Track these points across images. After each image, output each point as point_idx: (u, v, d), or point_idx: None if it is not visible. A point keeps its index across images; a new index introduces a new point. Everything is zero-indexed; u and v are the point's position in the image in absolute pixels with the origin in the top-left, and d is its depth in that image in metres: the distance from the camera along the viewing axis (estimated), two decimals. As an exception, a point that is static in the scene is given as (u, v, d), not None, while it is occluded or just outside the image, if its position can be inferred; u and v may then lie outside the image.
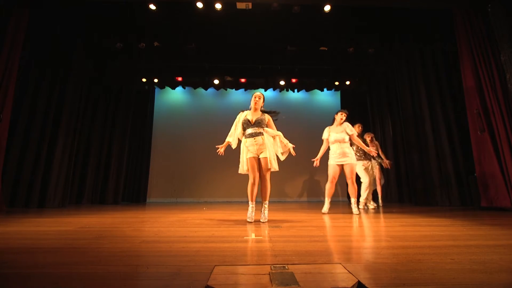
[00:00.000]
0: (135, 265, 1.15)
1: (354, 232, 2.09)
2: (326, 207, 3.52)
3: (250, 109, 2.95)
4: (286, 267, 1.07)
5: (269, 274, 0.98)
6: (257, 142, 2.74)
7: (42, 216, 3.14)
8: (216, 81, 6.89)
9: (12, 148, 4.26)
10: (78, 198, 5.57)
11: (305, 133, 7.40)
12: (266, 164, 2.66)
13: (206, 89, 7.32)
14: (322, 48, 5.82)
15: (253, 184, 2.73)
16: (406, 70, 5.48)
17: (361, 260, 1.20)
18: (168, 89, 7.55)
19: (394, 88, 6.04)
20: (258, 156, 2.74)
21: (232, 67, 6.64)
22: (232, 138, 2.91)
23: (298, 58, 6.10)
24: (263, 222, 2.57)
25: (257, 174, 2.74)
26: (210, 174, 7.22)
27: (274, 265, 1.09)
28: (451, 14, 4.44)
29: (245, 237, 1.79)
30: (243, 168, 2.79)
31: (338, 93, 7.99)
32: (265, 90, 7.49)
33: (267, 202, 2.77)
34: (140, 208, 4.57)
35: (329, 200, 3.59)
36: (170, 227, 2.28)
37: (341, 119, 3.66)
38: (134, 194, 6.72)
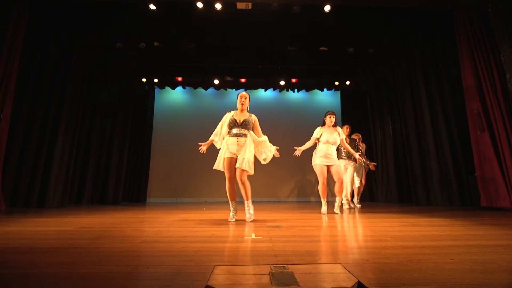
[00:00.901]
0: (135, 265, 1.15)
1: (354, 232, 2.09)
2: (324, 208, 3.54)
3: (236, 109, 2.95)
4: (286, 267, 1.07)
5: (269, 274, 0.98)
6: (239, 142, 2.76)
7: (42, 216, 3.14)
8: (216, 81, 6.88)
9: (12, 148, 4.26)
10: (78, 198, 5.57)
11: (305, 133, 7.36)
12: (241, 164, 2.65)
13: (206, 89, 7.31)
14: (322, 48, 5.81)
15: (229, 183, 2.77)
16: (406, 70, 5.47)
17: (361, 260, 1.20)
18: (168, 89, 7.54)
19: (394, 88, 6.04)
20: (237, 156, 2.74)
21: (232, 67, 6.64)
22: (217, 138, 2.93)
23: (298, 58, 6.09)
24: (251, 221, 2.59)
25: (233, 174, 2.76)
26: (210, 174, 7.19)
27: (274, 265, 1.09)
28: (451, 14, 4.44)
29: (245, 237, 1.78)
30: (218, 165, 2.82)
31: (338, 93, 7.99)
32: (265, 90, 7.49)
33: (249, 201, 2.75)
34: (140, 208, 4.57)
35: (325, 200, 3.63)
36: (170, 227, 2.28)
37: (331, 121, 3.72)
38: (134, 194, 6.72)
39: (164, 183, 7.20)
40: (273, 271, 1.01)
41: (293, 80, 7.07)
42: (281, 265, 1.09)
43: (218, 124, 2.97)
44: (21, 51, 4.08)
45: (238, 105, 2.91)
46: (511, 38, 3.63)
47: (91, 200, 5.74)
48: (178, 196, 7.12)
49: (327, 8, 4.53)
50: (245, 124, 2.81)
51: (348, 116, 7.71)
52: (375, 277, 0.96)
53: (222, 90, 7.49)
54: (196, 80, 7.02)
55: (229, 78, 6.93)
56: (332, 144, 3.64)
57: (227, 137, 2.85)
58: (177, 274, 1.01)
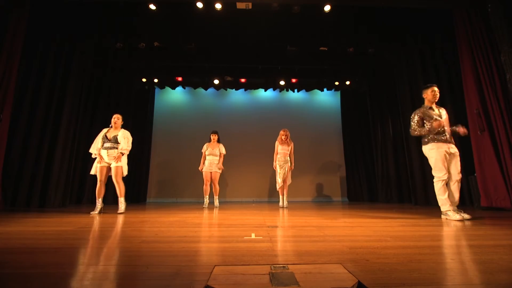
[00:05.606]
0: (135, 265, 1.15)
1: (354, 232, 2.09)
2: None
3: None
4: (286, 267, 1.07)
5: (269, 274, 0.98)
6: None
7: (42, 216, 3.14)
8: (216, 81, 6.88)
9: (12, 148, 4.26)
10: (78, 198, 5.57)
11: (305, 133, 7.40)
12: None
13: (206, 89, 7.32)
14: (322, 48, 5.81)
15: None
16: (406, 70, 5.47)
17: (361, 260, 1.20)
18: (168, 89, 7.54)
19: (394, 88, 6.04)
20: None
21: (232, 67, 6.64)
22: None
23: (298, 58, 6.09)
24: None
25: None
26: (210, 174, 7.20)
27: (274, 265, 1.09)
28: (451, 14, 4.44)
29: (245, 237, 1.79)
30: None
31: (338, 93, 7.99)
32: (265, 90, 7.50)
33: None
34: (140, 208, 4.57)
35: None
36: (170, 227, 2.28)
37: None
38: (134, 194, 6.71)
39: (164, 183, 7.20)
40: (273, 271, 1.01)
41: (293, 80, 7.07)
42: (281, 265, 1.09)
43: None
44: (21, 51, 4.08)
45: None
46: (511, 38, 3.63)
47: (91, 200, 5.72)
48: (178, 196, 7.12)
49: (327, 8, 4.53)
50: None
51: (348, 116, 7.72)
52: (375, 277, 0.96)
53: (222, 90, 7.49)
54: (196, 80, 7.02)
55: (229, 78, 6.92)
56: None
57: None
58: (177, 274, 1.01)
